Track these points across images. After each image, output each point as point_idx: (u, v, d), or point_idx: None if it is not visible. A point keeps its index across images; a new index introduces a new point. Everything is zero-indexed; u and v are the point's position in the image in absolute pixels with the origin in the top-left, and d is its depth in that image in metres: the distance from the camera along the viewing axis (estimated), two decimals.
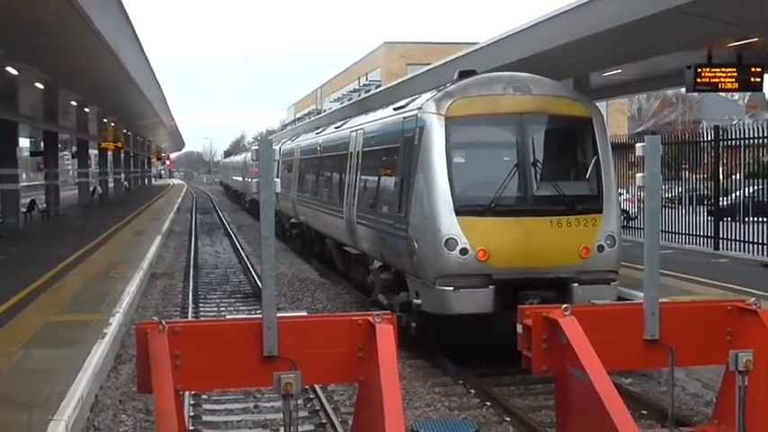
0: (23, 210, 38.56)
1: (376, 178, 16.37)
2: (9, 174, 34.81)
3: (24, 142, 53.60)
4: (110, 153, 66.54)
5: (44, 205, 43.20)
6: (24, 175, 71.86)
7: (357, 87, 72.58)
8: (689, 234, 24.48)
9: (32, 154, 59.86)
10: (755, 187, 23.54)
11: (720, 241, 23.02)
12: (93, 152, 68.76)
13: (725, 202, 24.73)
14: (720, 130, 23.83)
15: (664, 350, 7.44)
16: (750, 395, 6.99)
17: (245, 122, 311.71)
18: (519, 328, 7.57)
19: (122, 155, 73.33)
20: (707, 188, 25.57)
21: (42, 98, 32.79)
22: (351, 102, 55.88)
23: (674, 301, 9.90)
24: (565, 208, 12.96)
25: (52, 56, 22.55)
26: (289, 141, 33.37)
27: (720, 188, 24.33)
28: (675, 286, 15.97)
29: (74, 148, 63.42)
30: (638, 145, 7.58)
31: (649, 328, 7.47)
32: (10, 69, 23.21)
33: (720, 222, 23.47)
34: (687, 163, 26.29)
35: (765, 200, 22.10)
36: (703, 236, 23.80)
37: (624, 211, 24.36)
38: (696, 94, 27.38)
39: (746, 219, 23.36)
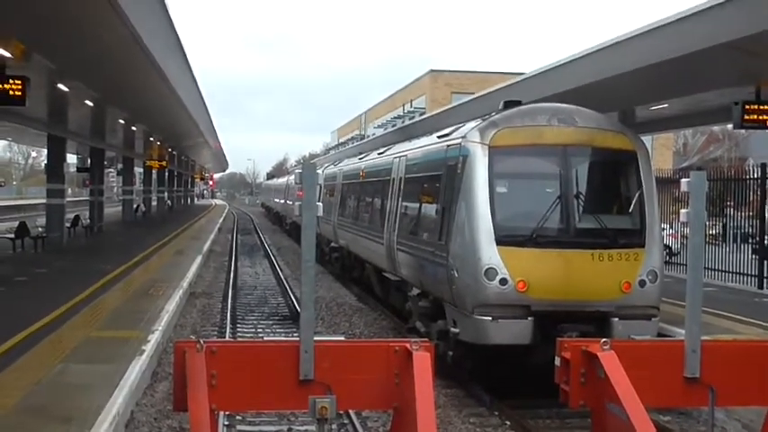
0: (68, 225, 39.04)
1: (417, 205, 16.38)
2: (55, 189, 35.28)
3: (71, 158, 54.40)
4: (154, 171, 67.31)
5: (88, 221, 43.71)
6: (70, 191, 72.85)
7: (401, 114, 72.82)
8: (733, 272, 24.18)
9: (79, 170, 60.70)
10: None
11: (765, 280, 22.70)
12: (138, 170, 69.62)
13: None
14: (767, 168, 23.54)
15: (704, 389, 7.33)
16: None
17: (289, 145, 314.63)
18: (557, 361, 7.51)
19: (166, 173, 74.08)
20: (752, 226, 25.25)
21: (91, 115, 33.29)
22: (394, 128, 56.05)
23: (716, 340, 9.76)
24: (607, 241, 12.86)
25: (102, 74, 22.93)
26: (331, 165, 33.54)
27: (766, 226, 24.03)
28: (717, 324, 15.75)
29: (119, 166, 64.18)
30: (683, 180, 7.51)
31: (690, 365, 7.37)
32: (61, 86, 23.62)
33: (765, 261, 23.16)
34: (732, 200, 26.00)
35: None
36: (748, 274, 23.49)
37: (667, 247, 24.12)
38: (743, 131, 27.15)
39: None
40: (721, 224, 26.33)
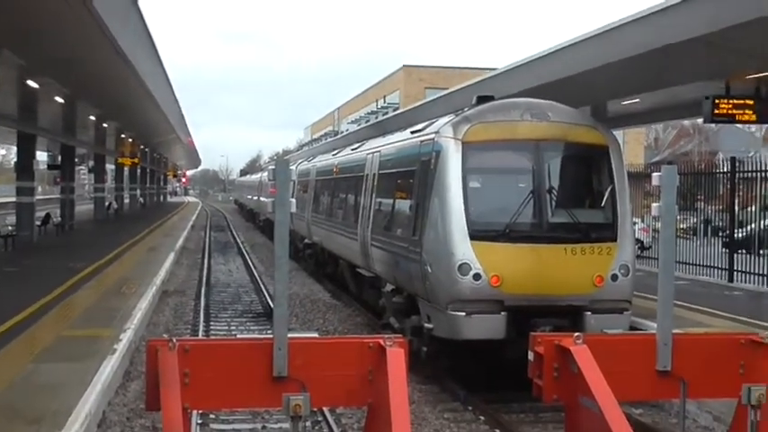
0: (38, 223, 38.69)
1: (391, 201, 16.37)
2: (25, 186, 34.95)
3: (42, 155, 53.90)
4: (126, 169, 66.88)
5: (59, 219, 43.36)
6: (40, 189, 72.26)
7: (375, 110, 72.79)
8: (703, 265, 24.36)
9: (50, 167, 60.18)
10: None
11: (735, 273, 22.90)
12: (109, 167, 69.15)
13: (740, 234, 24.61)
14: (737, 162, 23.76)
15: (675, 381, 7.38)
16: (762, 430, 6.92)
17: (262, 142, 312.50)
18: (530, 356, 7.53)
19: (138, 171, 73.66)
20: (722, 220, 25.47)
21: (61, 112, 33.00)
22: (368, 124, 55.99)
23: (687, 333, 9.83)
24: (579, 236, 12.91)
25: (72, 70, 22.73)
26: (305, 162, 33.46)
27: (736, 220, 24.23)
28: (689, 317, 15.86)
29: (91, 163, 63.74)
30: (654, 174, 7.56)
31: (662, 358, 7.41)
32: (31, 83, 23.40)
33: (735, 254, 23.36)
34: (703, 194, 26.20)
35: None
36: (718, 267, 23.68)
37: (638, 241, 24.26)
38: (713, 125, 27.38)
39: (761, 251, 23.23)
40: (703, 219, 26.55)
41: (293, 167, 31.54)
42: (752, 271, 22.33)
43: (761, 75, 18.10)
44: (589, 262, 12.77)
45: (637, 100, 23.98)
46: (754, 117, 19.55)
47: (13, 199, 38.76)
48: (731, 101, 19.11)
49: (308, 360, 7.00)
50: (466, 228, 12.65)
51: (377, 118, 59.81)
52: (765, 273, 21.70)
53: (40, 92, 25.26)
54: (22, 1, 15.16)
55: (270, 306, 20.56)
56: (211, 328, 19.28)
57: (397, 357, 6.82)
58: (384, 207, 16.93)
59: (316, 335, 7.76)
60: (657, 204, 7.53)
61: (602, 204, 13.41)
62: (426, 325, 13.38)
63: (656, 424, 11.90)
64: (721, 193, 25.13)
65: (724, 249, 24.29)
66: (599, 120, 18.30)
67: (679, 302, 14.82)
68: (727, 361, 7.58)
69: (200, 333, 18.28)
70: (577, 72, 19.96)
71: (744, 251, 23.83)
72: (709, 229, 26.30)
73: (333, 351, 7.28)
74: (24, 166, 35.16)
